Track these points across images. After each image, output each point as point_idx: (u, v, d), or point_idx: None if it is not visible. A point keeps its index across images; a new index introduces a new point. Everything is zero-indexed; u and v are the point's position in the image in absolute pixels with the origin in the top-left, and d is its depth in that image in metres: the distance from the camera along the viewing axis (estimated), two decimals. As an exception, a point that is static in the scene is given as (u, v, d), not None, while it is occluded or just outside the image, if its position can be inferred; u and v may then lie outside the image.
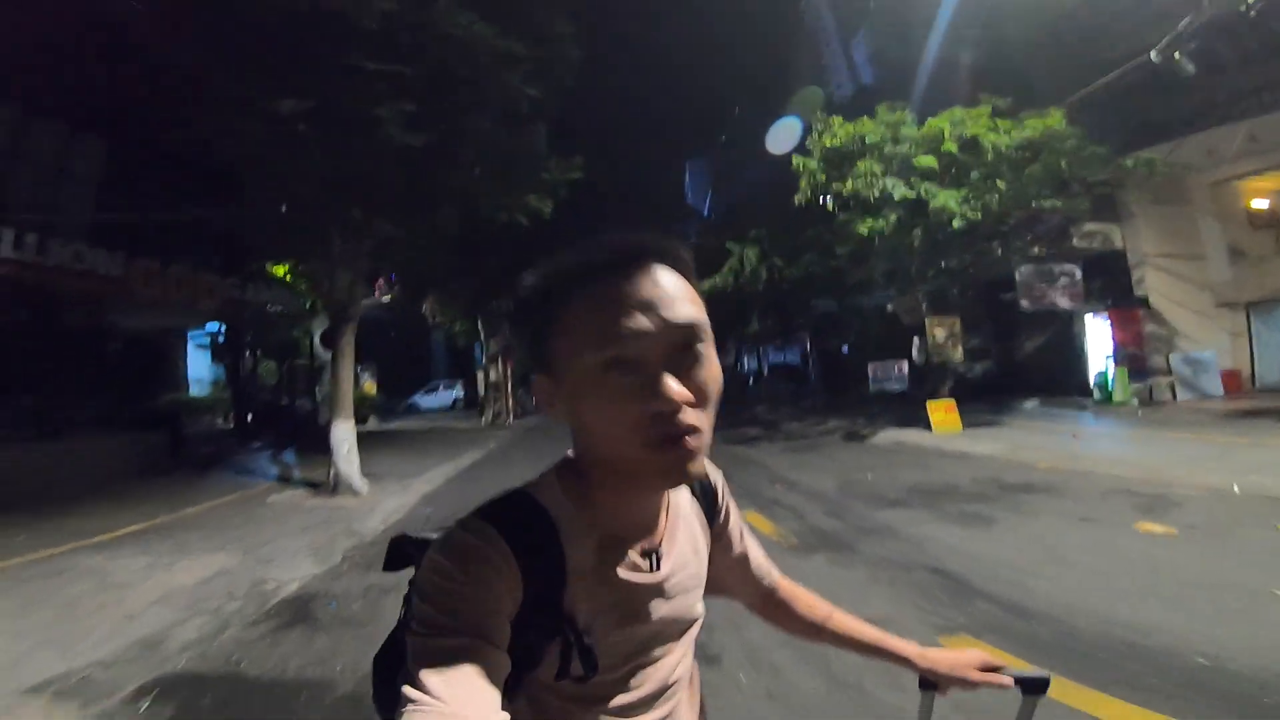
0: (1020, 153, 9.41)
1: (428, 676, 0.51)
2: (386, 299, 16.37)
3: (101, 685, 2.97)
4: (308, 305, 12.39)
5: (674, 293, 0.56)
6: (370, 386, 21.76)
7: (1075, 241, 12.20)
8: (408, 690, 0.51)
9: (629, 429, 0.54)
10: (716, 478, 0.81)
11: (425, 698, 0.50)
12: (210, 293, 11.80)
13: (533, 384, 0.62)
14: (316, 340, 13.98)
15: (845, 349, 21.17)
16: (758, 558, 0.87)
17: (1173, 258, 12.41)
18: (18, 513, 6.34)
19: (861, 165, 9.56)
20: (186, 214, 9.44)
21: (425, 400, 26.73)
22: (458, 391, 27.04)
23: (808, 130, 11.18)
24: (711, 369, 0.58)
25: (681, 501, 0.73)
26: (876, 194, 9.37)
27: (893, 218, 9.73)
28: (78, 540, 5.35)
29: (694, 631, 0.73)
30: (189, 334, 18.74)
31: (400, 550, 0.73)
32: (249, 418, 15.28)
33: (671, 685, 0.70)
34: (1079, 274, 12.22)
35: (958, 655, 0.85)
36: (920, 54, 13.27)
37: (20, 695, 2.84)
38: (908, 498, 5.99)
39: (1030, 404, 12.90)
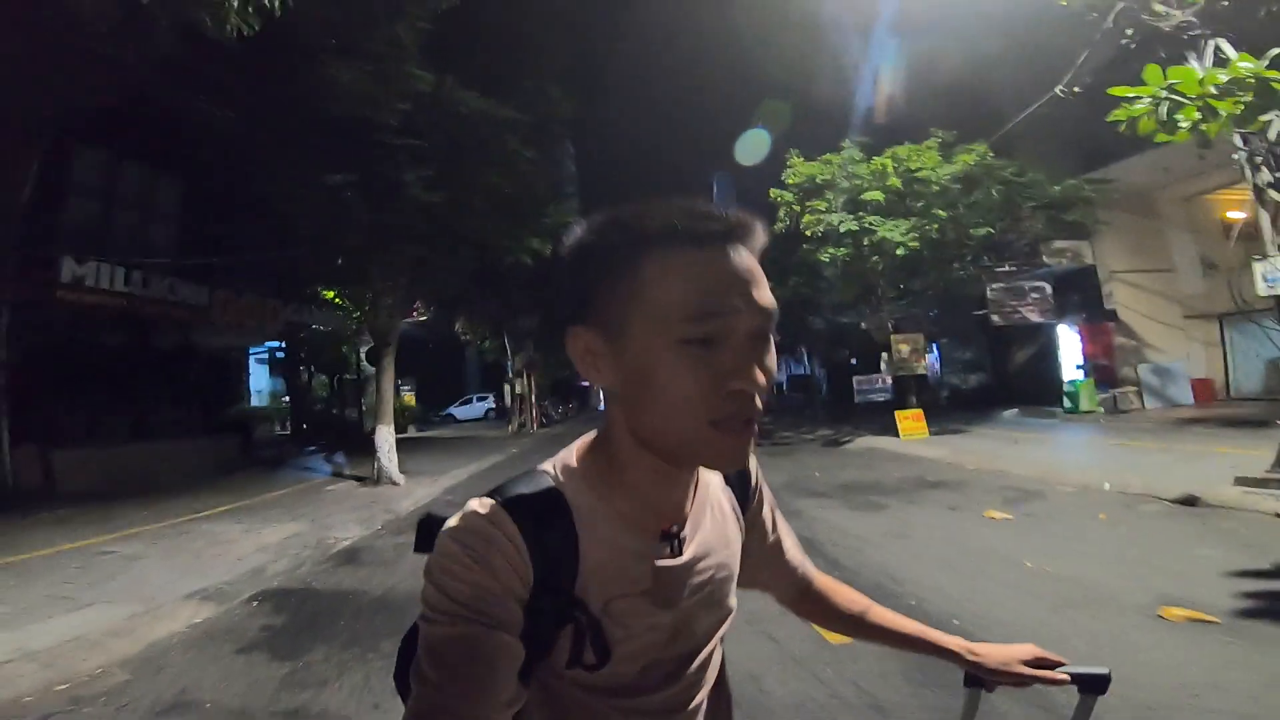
0: (955, 184, 10.55)
1: (435, 664, 0.51)
2: (424, 318, 18.32)
3: (227, 594, 4.59)
4: (354, 327, 14.27)
5: (760, 277, 0.56)
6: (409, 398, 23.87)
7: (1045, 259, 13.18)
8: (415, 679, 0.51)
9: (702, 405, 0.52)
10: (754, 464, 0.76)
11: (429, 688, 0.50)
12: (275, 317, 13.86)
13: (569, 336, 0.58)
14: (363, 358, 15.92)
15: (853, 361, 22.22)
16: (792, 549, 0.83)
17: (1142, 272, 13.25)
18: (135, 496, 8.21)
19: (814, 203, 10.91)
20: (254, 253, 11.38)
21: (460, 411, 28.84)
22: (490, 403, 29.04)
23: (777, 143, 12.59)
24: (773, 360, 0.57)
25: (712, 485, 0.70)
26: (821, 230, 10.68)
27: (842, 250, 11.02)
28: (189, 515, 7.14)
29: (723, 627, 0.70)
30: (250, 350, 21.13)
31: (429, 530, 0.65)
32: (304, 425, 17.38)
33: (695, 682, 0.67)
34: (1049, 289, 13.19)
35: (1008, 649, 0.79)
36: (895, 90, 14.49)
37: (180, 599, 4.48)
38: (832, 491, 7.29)
39: (1010, 413, 13.86)
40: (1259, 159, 5.95)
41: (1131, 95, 4.36)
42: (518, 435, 19.11)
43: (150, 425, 11.52)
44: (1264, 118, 4.37)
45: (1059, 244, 13.25)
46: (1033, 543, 4.77)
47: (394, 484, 9.24)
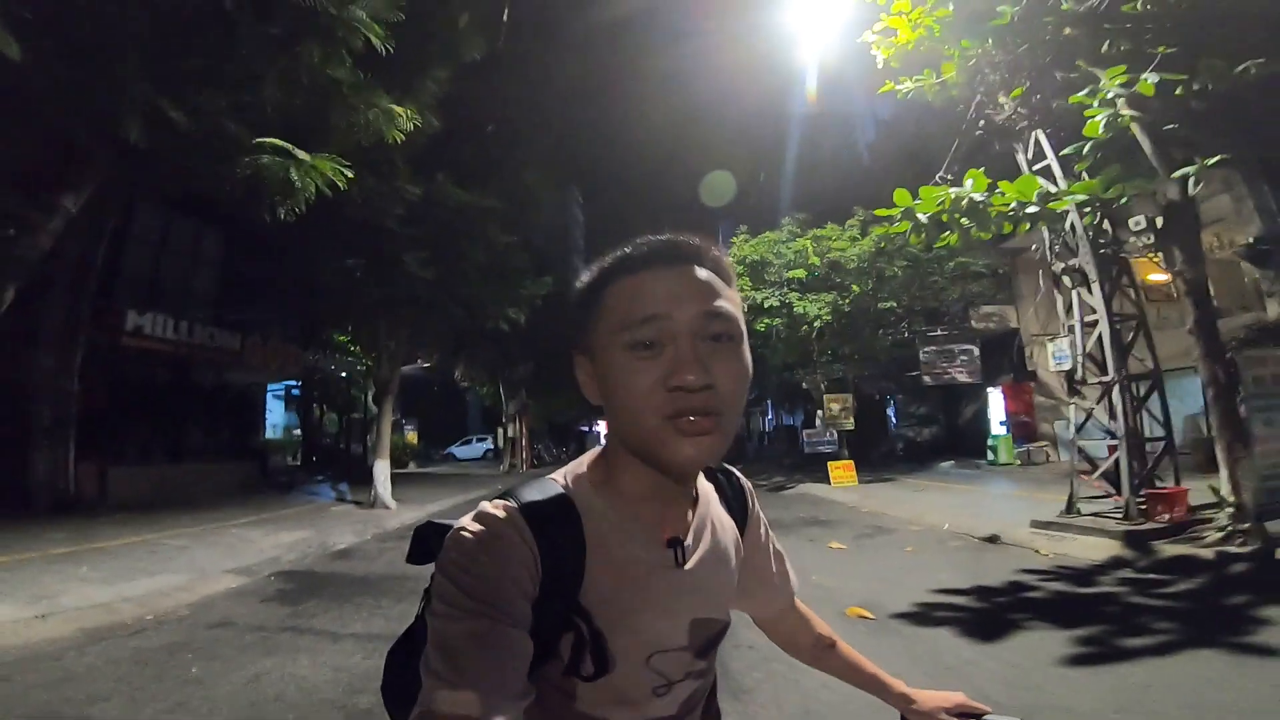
0: (863, 263, 12.47)
1: (446, 657, 0.52)
2: (428, 365, 20.41)
3: (253, 571, 6.41)
4: (363, 371, 16.30)
5: (702, 287, 0.61)
6: (412, 437, 25.85)
7: (974, 323, 14.97)
8: (425, 673, 0.52)
9: (648, 402, 0.57)
10: (745, 484, 0.84)
11: (443, 681, 0.50)
12: (295, 360, 16.01)
13: (575, 364, 0.67)
14: (370, 399, 17.95)
15: (803, 416, 23.96)
16: (783, 573, 0.88)
17: (1060, 336, 14.96)
18: (174, 507, 10.09)
19: (742, 280, 12.91)
20: (280, 309, 13.58)
21: (460, 451, 30.72)
22: (489, 444, 30.86)
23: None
24: (735, 364, 0.60)
25: (712, 502, 0.75)
26: (747, 307, 12.65)
27: (777, 321, 12.94)
28: (221, 522, 9.00)
29: (717, 641, 0.72)
30: (269, 387, 23.34)
31: (424, 541, 0.71)
32: (314, 457, 19.33)
33: (689, 695, 0.69)
34: (977, 352, 14.93)
35: (939, 697, 0.86)
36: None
37: (220, 572, 6.29)
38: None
39: (946, 464, 15.44)
40: (1055, 249, 7.65)
41: (885, 215, 5.97)
42: (507, 474, 20.89)
43: (186, 449, 13.52)
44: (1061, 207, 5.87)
45: (986, 309, 15.06)
46: (833, 565, 6.20)
47: (387, 508, 11.06)
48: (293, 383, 20.56)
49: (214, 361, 14.11)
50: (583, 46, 15.25)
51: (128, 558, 6.61)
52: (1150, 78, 5.15)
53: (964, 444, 16.89)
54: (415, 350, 13.73)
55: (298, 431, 22.57)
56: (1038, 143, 7.71)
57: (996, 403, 15.51)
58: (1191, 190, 5.86)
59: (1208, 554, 5.42)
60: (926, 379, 14.74)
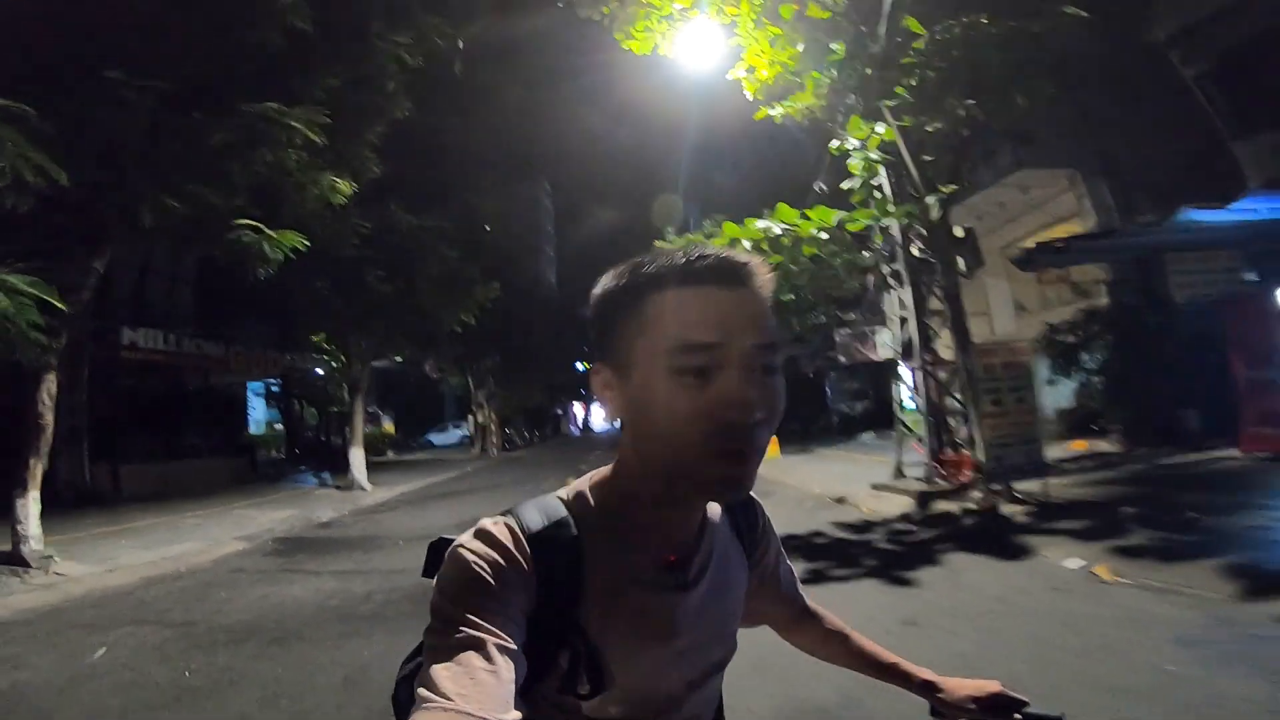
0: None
1: (440, 673, 0.52)
2: (400, 359, 22.21)
3: (256, 538, 8.38)
4: (338, 369, 18.05)
5: (758, 316, 0.60)
6: (389, 427, 27.74)
7: (885, 306, 17.01)
8: (420, 689, 0.52)
9: (698, 434, 0.56)
10: (759, 507, 0.84)
11: (435, 696, 0.50)
12: (275, 364, 17.80)
13: (591, 373, 0.65)
14: (346, 394, 19.78)
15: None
16: (790, 585, 0.90)
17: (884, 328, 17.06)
18: (180, 496, 11.98)
19: None
20: (258, 321, 15.34)
21: (437, 437, 32.68)
22: (465, 430, 32.79)
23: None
24: (777, 393, 0.60)
25: (720, 528, 0.74)
26: None
27: None
28: (224, 505, 10.94)
29: (721, 667, 0.73)
30: (249, 385, 25.07)
31: (439, 554, 0.68)
32: (296, 449, 21.19)
33: (691, 718, 0.70)
34: (889, 333, 17.03)
35: (971, 686, 0.83)
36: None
37: (230, 539, 8.24)
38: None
39: (867, 435, 17.61)
40: (885, 253, 9.58)
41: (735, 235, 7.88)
42: (477, 459, 22.89)
43: (183, 447, 15.37)
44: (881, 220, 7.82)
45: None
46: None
47: (363, 489, 13.04)
48: (273, 382, 22.33)
49: (202, 368, 15.90)
50: (520, 74, 16.85)
51: (155, 533, 8.55)
52: (891, 125, 7.18)
53: (889, 418, 19.04)
54: (385, 350, 15.53)
55: (280, 426, 24.36)
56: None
57: (907, 379, 17.64)
58: (935, 215, 7.74)
59: (956, 509, 7.22)
60: (842, 359, 16.80)
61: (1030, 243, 12.00)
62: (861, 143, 7.50)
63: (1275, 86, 9.66)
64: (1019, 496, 6.88)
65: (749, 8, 8.37)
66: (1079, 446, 10.74)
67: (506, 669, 0.54)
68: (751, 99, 9.37)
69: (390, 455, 24.74)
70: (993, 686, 0.82)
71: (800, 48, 8.50)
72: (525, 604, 0.59)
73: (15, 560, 6.02)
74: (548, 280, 45.46)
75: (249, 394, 24.65)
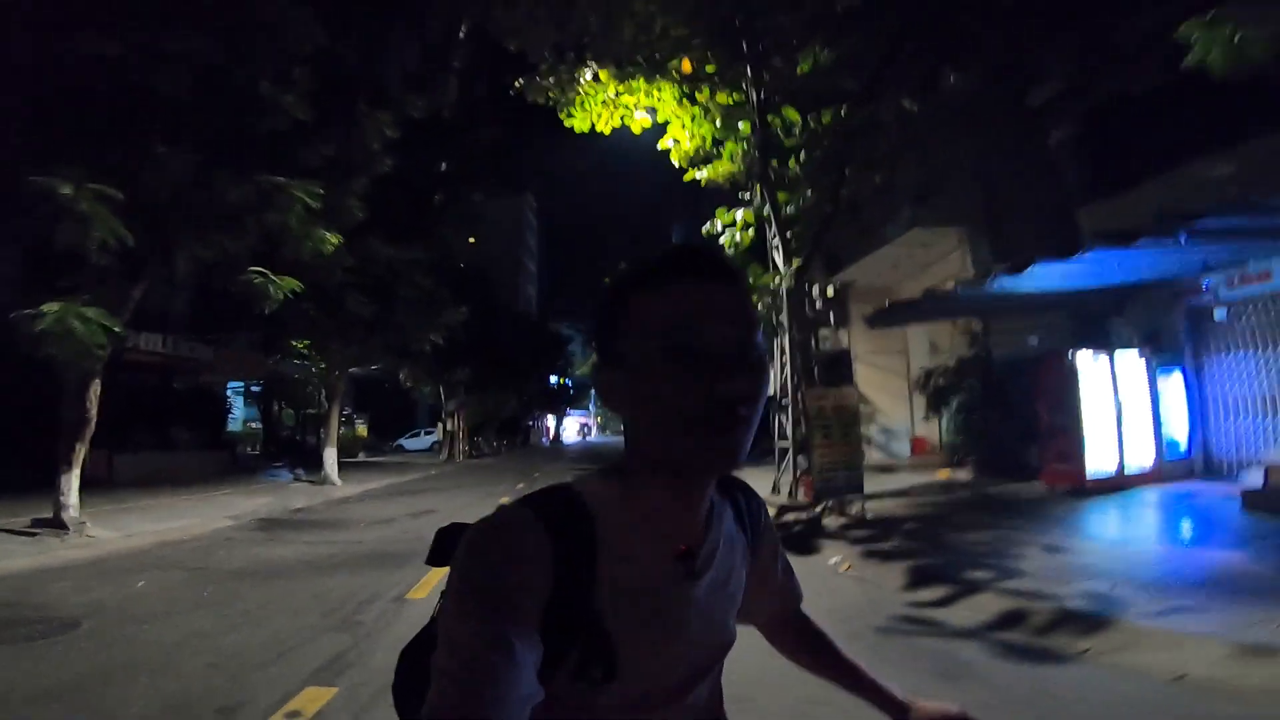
0: None
1: (455, 654, 0.54)
2: (376, 368, 24.01)
3: (241, 518, 10.20)
4: (317, 374, 19.82)
5: (738, 305, 0.64)
6: (363, 430, 29.43)
7: (814, 344, 19.19)
8: (434, 671, 0.55)
9: (687, 410, 0.60)
10: (761, 501, 0.87)
11: (448, 680, 0.53)
12: (260, 366, 19.56)
13: (597, 378, 0.69)
14: (323, 398, 21.55)
15: None
16: (787, 585, 0.93)
17: (881, 354, 19.28)
18: (171, 485, 13.71)
19: None
20: (247, 326, 17.14)
21: (409, 443, 34.39)
22: (436, 436, 34.51)
23: None
24: (761, 376, 0.63)
25: (725, 519, 0.77)
26: None
27: None
28: (210, 492, 12.73)
29: (723, 656, 0.76)
30: (229, 385, 26.75)
31: (445, 541, 0.75)
32: (273, 447, 22.88)
33: (695, 706, 0.72)
34: (816, 369, 19.17)
35: (936, 708, 0.87)
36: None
37: (220, 518, 10.05)
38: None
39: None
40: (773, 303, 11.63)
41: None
42: (443, 464, 24.69)
43: (169, 440, 17.07)
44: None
45: (825, 331, 19.31)
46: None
47: (334, 484, 14.86)
48: (253, 384, 24.05)
49: (193, 369, 17.65)
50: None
51: (155, 512, 10.35)
52: (765, 202, 9.32)
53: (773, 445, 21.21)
54: (362, 360, 17.38)
55: (257, 425, 26.02)
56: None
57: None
58: (789, 283, 9.87)
59: (792, 519, 9.23)
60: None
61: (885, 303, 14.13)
62: (727, 227, 9.63)
63: (1117, 154, 11.57)
64: (849, 512, 8.91)
65: (670, 93, 10.42)
66: (944, 475, 12.88)
67: (524, 650, 0.56)
68: (678, 166, 11.48)
69: (362, 456, 26.46)
70: (958, 712, 0.87)
71: (718, 123, 10.60)
72: (542, 585, 0.60)
73: (57, 524, 7.84)
74: (527, 294, 47.39)
75: (233, 396, 26.39)
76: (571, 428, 57.21)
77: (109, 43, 7.09)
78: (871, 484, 11.90)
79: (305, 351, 20.34)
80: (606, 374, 0.67)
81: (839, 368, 20.36)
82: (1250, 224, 6.57)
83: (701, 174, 11.12)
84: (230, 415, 23.34)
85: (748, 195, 11.16)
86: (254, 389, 25.45)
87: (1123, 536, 6.88)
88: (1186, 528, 7.08)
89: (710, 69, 9.46)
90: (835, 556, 6.75)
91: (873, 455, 18.58)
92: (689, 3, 8.48)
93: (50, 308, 6.68)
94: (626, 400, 0.65)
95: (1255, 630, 3.57)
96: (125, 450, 14.98)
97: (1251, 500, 7.19)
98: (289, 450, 22.87)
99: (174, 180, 7.76)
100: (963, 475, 12.51)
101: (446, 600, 0.60)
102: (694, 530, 0.71)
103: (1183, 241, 6.62)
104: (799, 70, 9.18)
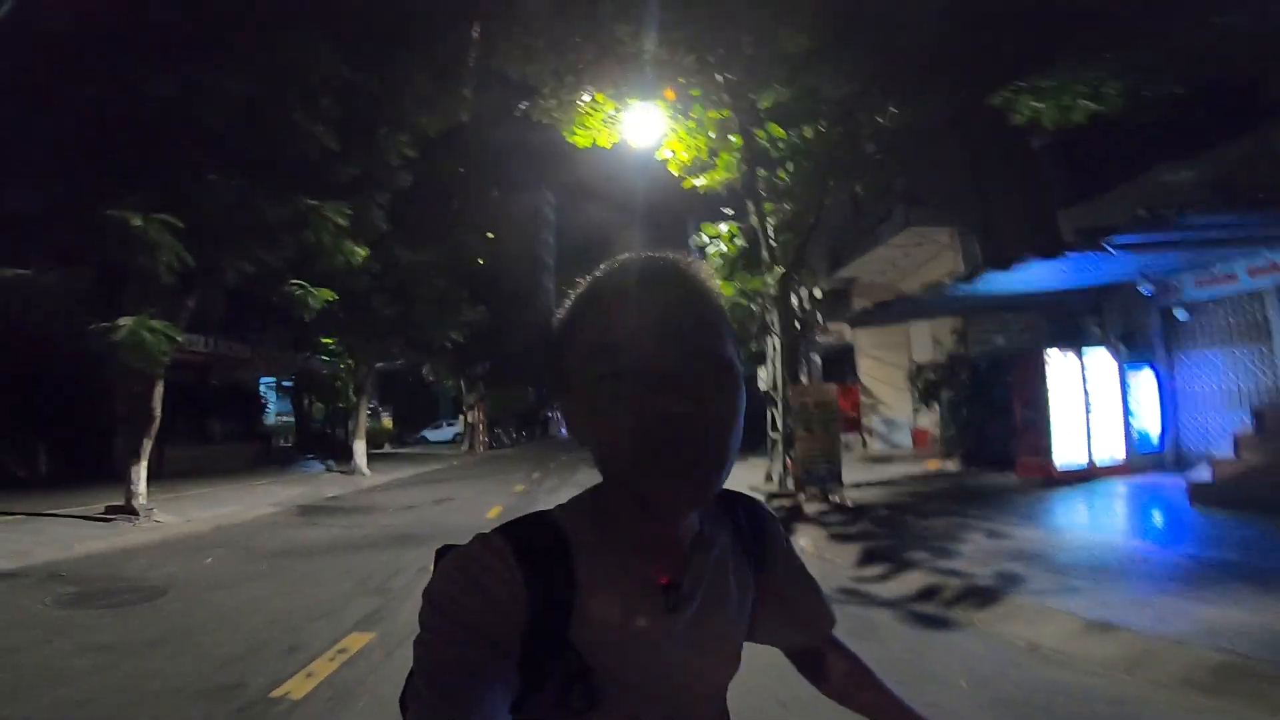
0: None
1: (429, 683, 0.54)
2: (400, 361, 25.28)
3: (281, 505, 11.39)
4: (345, 370, 21.08)
5: (679, 310, 0.59)
6: (388, 422, 30.84)
7: (818, 337, 19.87)
8: (410, 697, 0.55)
9: (623, 441, 0.56)
10: (766, 515, 0.82)
11: (422, 706, 0.53)
12: (292, 363, 20.89)
13: (557, 407, 0.66)
14: (351, 393, 22.87)
15: None
16: (813, 606, 0.86)
17: (884, 348, 19.92)
18: (214, 475, 15.02)
19: None
20: (280, 325, 18.42)
21: (432, 434, 35.83)
22: (458, 428, 35.88)
23: None
24: (719, 388, 0.58)
25: (719, 540, 0.72)
26: None
27: None
28: (250, 483, 13.98)
29: (718, 689, 0.73)
30: (262, 380, 28.32)
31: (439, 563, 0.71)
32: (304, 440, 24.31)
33: None
34: (819, 361, 19.87)
35: None
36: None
37: (263, 505, 11.23)
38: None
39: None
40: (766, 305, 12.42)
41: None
42: (464, 455, 25.95)
43: (211, 434, 18.46)
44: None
45: (832, 326, 19.99)
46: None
47: (363, 474, 16.08)
48: (284, 380, 25.49)
49: (230, 366, 18.99)
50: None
51: (208, 499, 11.57)
52: (753, 211, 10.12)
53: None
54: (387, 356, 18.59)
55: (288, 418, 27.50)
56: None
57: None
58: (774, 289, 10.67)
59: (776, 506, 10.10)
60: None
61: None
62: (714, 239, 10.45)
63: (1092, 160, 12.10)
64: (831, 500, 9.75)
65: (665, 108, 11.21)
66: (933, 466, 13.60)
67: (495, 678, 0.55)
68: (676, 175, 12.29)
69: (388, 448, 27.86)
70: None
71: (712, 135, 11.39)
72: (515, 613, 0.59)
73: (128, 510, 9.02)
74: (546, 288, 48.51)
75: (267, 391, 27.93)
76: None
77: (163, 82, 8.15)
78: (865, 473, 12.83)
79: (334, 348, 21.69)
80: (560, 405, 0.66)
81: (842, 363, 21.10)
82: (1166, 237, 7.24)
83: (700, 181, 11.91)
84: (266, 410, 24.79)
85: (734, 209, 12.02)
86: (284, 384, 26.94)
87: (1064, 524, 7.62)
88: (1128, 518, 7.82)
89: (695, 93, 10.25)
90: (804, 538, 7.62)
91: (874, 446, 19.34)
92: (669, 38, 9.25)
93: (124, 322, 7.81)
94: (575, 431, 0.63)
95: (1110, 610, 4.31)
96: (172, 444, 16.33)
97: (1197, 493, 7.84)
98: (320, 442, 24.27)
99: (223, 204, 8.83)
100: (951, 466, 13.22)
101: (420, 627, 0.59)
102: (677, 557, 0.68)
103: (1113, 252, 7.29)
104: (761, 106, 9.97)
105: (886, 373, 19.97)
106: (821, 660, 0.89)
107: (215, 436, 18.55)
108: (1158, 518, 7.47)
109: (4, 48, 8.03)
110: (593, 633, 0.62)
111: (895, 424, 19.50)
